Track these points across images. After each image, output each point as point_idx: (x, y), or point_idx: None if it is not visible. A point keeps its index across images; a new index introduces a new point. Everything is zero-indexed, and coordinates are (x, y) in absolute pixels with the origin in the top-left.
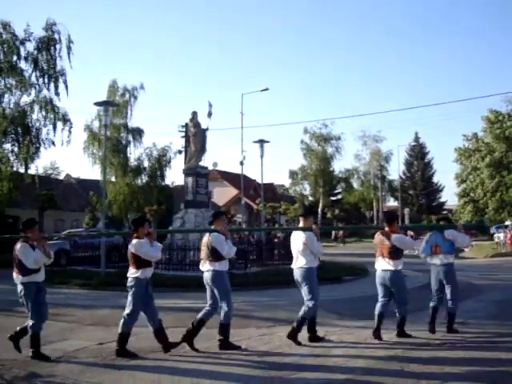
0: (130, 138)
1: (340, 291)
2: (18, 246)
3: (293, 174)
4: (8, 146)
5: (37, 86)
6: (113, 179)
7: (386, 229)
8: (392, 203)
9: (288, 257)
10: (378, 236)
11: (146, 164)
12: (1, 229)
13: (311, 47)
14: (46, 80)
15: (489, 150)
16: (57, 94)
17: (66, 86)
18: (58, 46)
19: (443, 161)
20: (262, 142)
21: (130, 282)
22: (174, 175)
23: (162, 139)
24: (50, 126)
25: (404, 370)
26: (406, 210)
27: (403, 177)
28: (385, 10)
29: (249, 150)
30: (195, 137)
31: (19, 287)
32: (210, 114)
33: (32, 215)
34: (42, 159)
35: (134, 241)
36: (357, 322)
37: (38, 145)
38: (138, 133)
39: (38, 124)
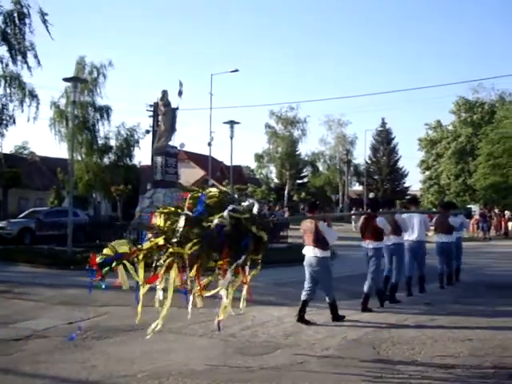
0: (98, 116)
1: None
2: (320, 223)
3: (258, 158)
4: None
5: (3, 61)
6: (79, 158)
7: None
8: (357, 187)
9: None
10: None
11: (113, 143)
12: None
13: (282, 31)
14: (14, 55)
15: (454, 136)
16: (28, 68)
17: (39, 61)
18: (27, 20)
19: (408, 146)
20: (232, 122)
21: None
22: (142, 155)
23: (130, 118)
24: (17, 102)
25: (375, 350)
26: (371, 195)
27: (369, 162)
28: None
29: (216, 131)
30: (165, 116)
31: (318, 260)
32: (180, 93)
33: None
34: (11, 137)
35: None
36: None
37: (4, 122)
38: (105, 111)
39: (4, 100)
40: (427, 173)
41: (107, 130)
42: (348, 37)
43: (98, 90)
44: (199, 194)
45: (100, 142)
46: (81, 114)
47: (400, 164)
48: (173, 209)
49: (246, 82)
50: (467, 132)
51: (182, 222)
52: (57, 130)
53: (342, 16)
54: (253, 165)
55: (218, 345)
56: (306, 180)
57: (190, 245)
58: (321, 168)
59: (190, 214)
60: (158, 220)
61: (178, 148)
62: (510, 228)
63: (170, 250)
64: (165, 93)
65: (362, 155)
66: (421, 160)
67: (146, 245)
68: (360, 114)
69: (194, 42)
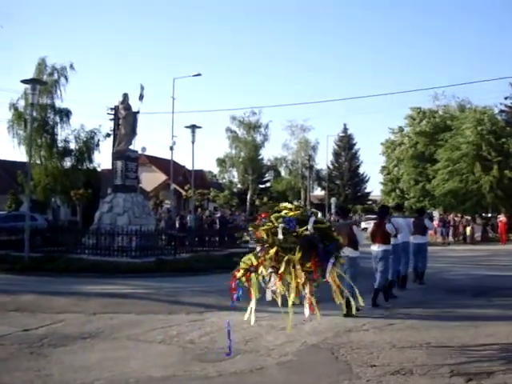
0: (58, 119)
1: None
2: (354, 227)
3: (221, 162)
4: None
5: None
6: (38, 161)
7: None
8: (319, 192)
9: (217, 243)
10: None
11: (73, 146)
12: None
13: (244, 35)
14: None
15: (412, 143)
16: None
17: None
18: None
19: (370, 152)
20: (193, 127)
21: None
22: (102, 159)
23: (90, 121)
24: None
25: (334, 355)
26: (333, 200)
27: (331, 167)
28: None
29: (179, 135)
30: (125, 120)
31: (349, 259)
32: (141, 97)
33: None
34: None
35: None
36: (284, 308)
37: None
38: (65, 114)
39: None
40: (388, 177)
41: (67, 133)
42: (313, 41)
43: (58, 93)
44: (284, 214)
45: (59, 145)
46: (40, 116)
47: (361, 169)
48: (270, 224)
49: (209, 87)
50: (422, 141)
51: (280, 234)
52: (15, 133)
53: (307, 20)
54: (215, 169)
55: (176, 351)
56: (268, 185)
57: (297, 252)
58: (283, 173)
59: (285, 226)
60: (262, 234)
61: (140, 152)
62: (467, 233)
63: (286, 257)
64: (125, 96)
65: (323, 160)
66: (382, 166)
67: (267, 255)
68: (323, 120)
69: (156, 46)
